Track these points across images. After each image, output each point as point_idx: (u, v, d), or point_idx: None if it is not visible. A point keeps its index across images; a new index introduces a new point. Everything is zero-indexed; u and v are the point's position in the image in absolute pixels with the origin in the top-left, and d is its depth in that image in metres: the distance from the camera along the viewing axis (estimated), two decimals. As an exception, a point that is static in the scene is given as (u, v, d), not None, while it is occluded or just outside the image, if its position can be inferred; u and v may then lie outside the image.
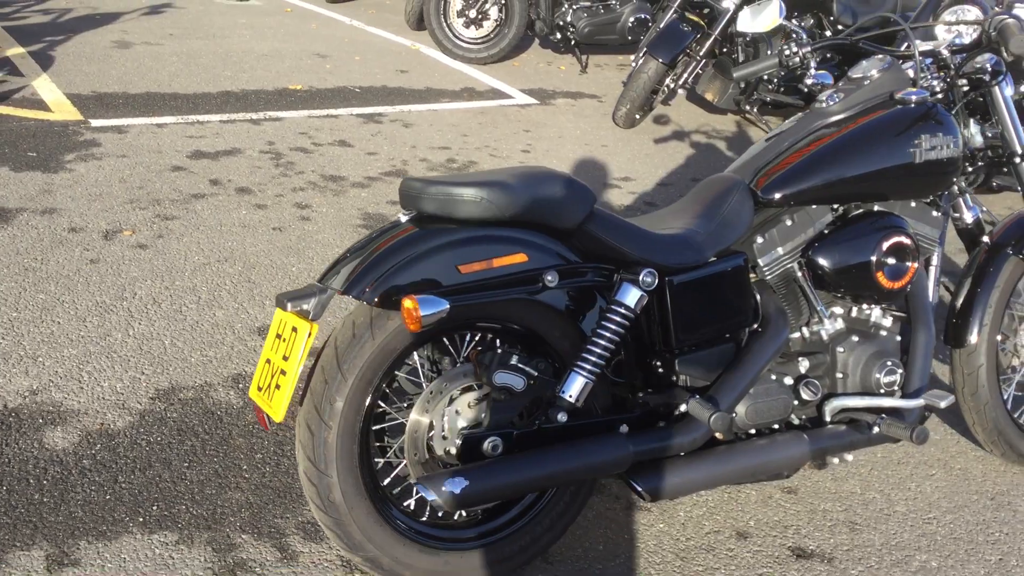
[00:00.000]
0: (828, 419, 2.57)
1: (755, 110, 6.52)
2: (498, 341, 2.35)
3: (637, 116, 6.45)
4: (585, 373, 2.25)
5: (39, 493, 2.55)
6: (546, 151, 5.90)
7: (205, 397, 3.04)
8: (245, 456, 2.79)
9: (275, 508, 2.59)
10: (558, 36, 7.82)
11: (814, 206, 2.56)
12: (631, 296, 2.26)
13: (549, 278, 2.21)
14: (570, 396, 2.24)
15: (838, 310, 2.64)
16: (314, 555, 2.44)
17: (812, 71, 2.91)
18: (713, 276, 2.41)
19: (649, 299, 2.37)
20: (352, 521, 2.19)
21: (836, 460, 2.63)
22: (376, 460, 2.32)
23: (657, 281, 2.29)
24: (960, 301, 2.92)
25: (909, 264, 2.53)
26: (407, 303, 2.01)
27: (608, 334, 2.25)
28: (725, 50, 6.58)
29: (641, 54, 6.31)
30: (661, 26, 6.41)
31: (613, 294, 2.27)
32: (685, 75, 6.36)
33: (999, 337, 2.96)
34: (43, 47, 7.03)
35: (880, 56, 2.74)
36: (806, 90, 2.95)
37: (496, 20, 7.80)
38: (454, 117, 6.44)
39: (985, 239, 2.96)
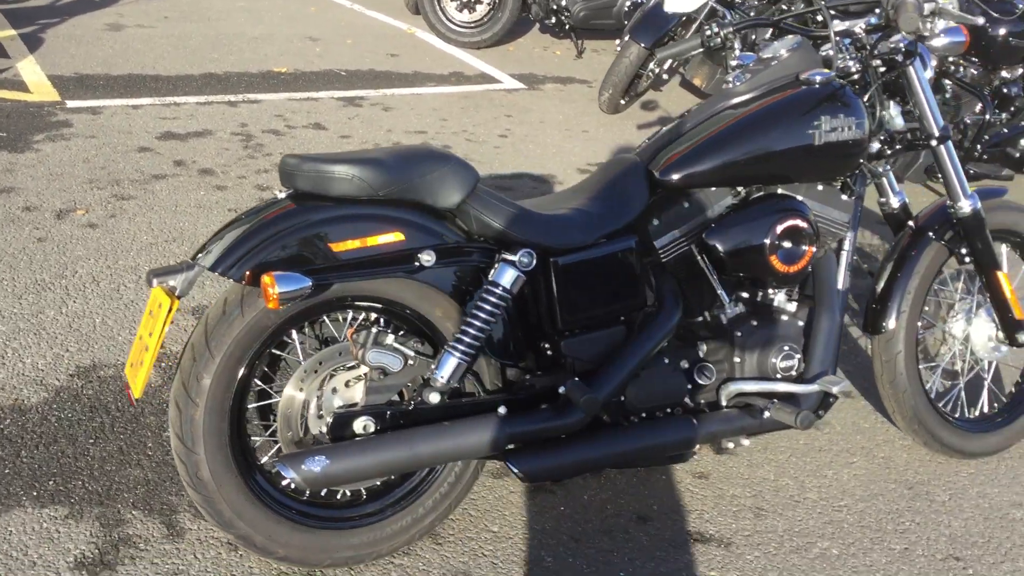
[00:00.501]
0: (724, 403, 2.54)
1: None
2: (381, 320, 2.34)
3: (621, 101, 6.38)
4: (458, 354, 2.23)
5: (-61, 466, 2.59)
6: (524, 136, 5.87)
7: (123, 375, 3.06)
8: (153, 434, 2.81)
9: (172, 486, 2.61)
10: (552, 20, 7.76)
11: (714, 189, 2.52)
12: (507, 277, 2.24)
13: (426, 258, 2.20)
14: (442, 377, 2.23)
15: (742, 294, 2.60)
16: (201, 532, 2.45)
17: (737, 52, 2.86)
18: (600, 258, 2.39)
19: (535, 280, 2.35)
20: (221, 499, 2.19)
21: (731, 445, 2.60)
22: (255, 438, 2.32)
23: (535, 262, 2.26)
24: (880, 287, 2.87)
25: (805, 248, 2.49)
26: (265, 279, 2.00)
27: (483, 315, 2.24)
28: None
29: (625, 38, 6.05)
30: (646, 8, 6.30)
31: (490, 274, 2.25)
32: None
33: (921, 324, 2.91)
34: (35, 29, 7.10)
35: (792, 36, 2.69)
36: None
37: (489, 4, 7.76)
38: (437, 101, 6.42)
39: (910, 224, 2.90)
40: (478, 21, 7.84)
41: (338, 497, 2.41)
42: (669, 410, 2.51)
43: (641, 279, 2.46)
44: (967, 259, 2.87)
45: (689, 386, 2.52)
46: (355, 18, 8.73)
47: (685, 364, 2.52)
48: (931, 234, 2.86)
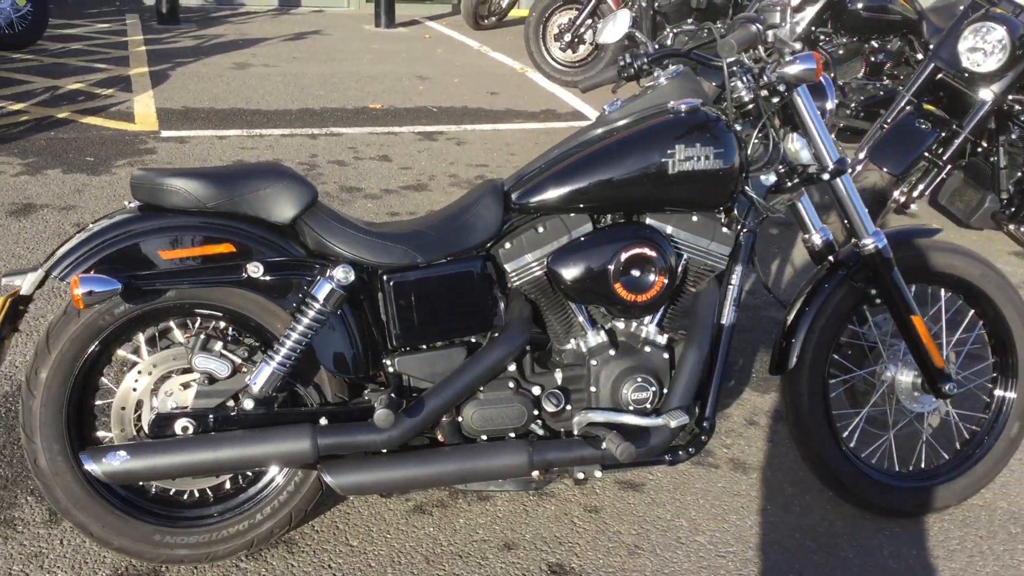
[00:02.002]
0: (576, 432, 2.49)
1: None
2: (221, 328, 2.45)
3: None
4: (273, 364, 2.31)
5: None
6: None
7: None
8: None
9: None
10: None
11: (573, 215, 2.49)
12: (323, 291, 2.30)
13: (253, 269, 2.29)
14: (255, 385, 2.32)
15: (609, 324, 2.55)
16: (73, 519, 2.63)
17: (660, 82, 2.81)
18: (435, 277, 2.41)
19: (372, 297, 2.40)
20: (57, 486, 2.35)
21: (580, 475, 2.53)
22: (101, 433, 2.47)
23: (353, 279, 2.31)
24: (786, 324, 2.73)
25: (654, 277, 2.41)
26: (72, 281, 2.16)
27: (300, 327, 2.31)
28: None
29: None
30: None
31: (310, 288, 2.32)
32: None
33: (828, 365, 2.74)
34: (167, 67, 7.75)
35: (675, 64, 2.63)
36: None
37: (591, 43, 7.83)
38: (514, 136, 6.53)
39: (828, 260, 2.75)
40: (581, 60, 7.92)
41: (185, 497, 2.53)
42: (513, 434, 2.48)
43: (483, 302, 2.46)
44: (877, 300, 2.69)
45: (535, 412, 2.48)
46: (475, 59, 9.00)
47: (536, 390, 2.49)
48: (842, 272, 2.70)
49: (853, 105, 6.02)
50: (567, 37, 7.85)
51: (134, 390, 2.40)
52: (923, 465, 2.92)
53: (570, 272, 2.41)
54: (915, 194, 4.64)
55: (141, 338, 2.47)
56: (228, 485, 2.54)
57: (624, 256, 2.40)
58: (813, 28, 5.93)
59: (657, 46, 2.81)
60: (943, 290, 2.85)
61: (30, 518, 2.63)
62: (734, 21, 2.50)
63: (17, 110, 6.36)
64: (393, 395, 2.35)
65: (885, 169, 4.42)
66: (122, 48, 8.46)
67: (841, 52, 6.09)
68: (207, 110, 6.62)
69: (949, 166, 4.60)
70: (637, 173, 2.40)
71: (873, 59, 6.13)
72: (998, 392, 2.89)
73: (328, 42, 9.33)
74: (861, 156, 4.59)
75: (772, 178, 2.61)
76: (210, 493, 2.53)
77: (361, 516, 2.74)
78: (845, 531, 2.78)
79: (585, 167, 2.43)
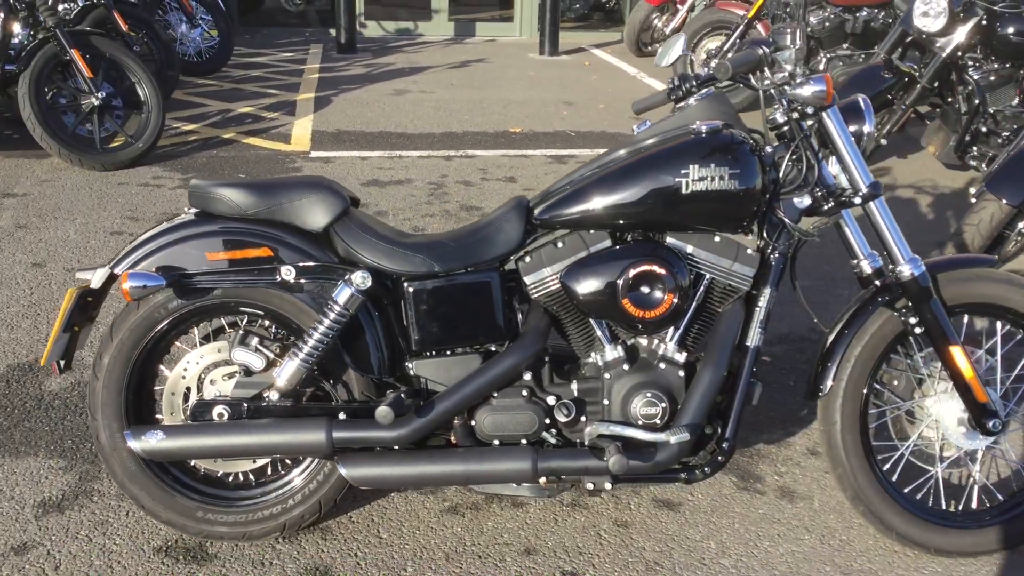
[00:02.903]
0: (586, 443, 2.55)
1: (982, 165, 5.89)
2: (266, 324, 2.66)
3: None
4: (297, 361, 2.50)
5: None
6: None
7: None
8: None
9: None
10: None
11: (592, 232, 2.56)
12: (343, 295, 2.47)
13: (286, 272, 2.50)
14: (280, 378, 2.51)
15: (632, 340, 2.60)
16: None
17: (690, 103, 2.81)
18: (453, 286, 2.54)
19: (397, 303, 2.56)
20: (115, 461, 2.62)
21: (590, 486, 2.58)
22: (159, 416, 2.73)
23: (369, 284, 2.46)
24: (823, 350, 2.69)
25: (662, 295, 2.45)
26: (121, 277, 2.43)
27: (323, 327, 2.49)
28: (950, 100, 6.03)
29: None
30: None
31: (333, 292, 2.50)
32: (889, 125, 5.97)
33: (867, 393, 2.67)
34: (332, 93, 8.25)
35: (709, 87, 2.66)
36: None
37: (740, 69, 7.77)
38: (647, 161, 6.56)
39: (875, 284, 2.69)
40: (727, 85, 7.84)
41: (230, 479, 2.76)
42: (524, 441, 2.57)
43: (500, 312, 2.56)
44: (916, 330, 2.61)
45: (548, 421, 2.56)
46: (628, 85, 9.08)
47: (551, 400, 2.57)
48: (881, 298, 2.64)
49: (1006, 135, 5.75)
50: (714, 63, 7.81)
51: (183, 378, 2.65)
52: (974, 505, 2.79)
53: (580, 286, 2.48)
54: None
55: (196, 332, 2.72)
56: (269, 471, 2.75)
57: (633, 272, 2.45)
58: (960, 53, 5.69)
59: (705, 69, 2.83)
60: (999, 323, 2.73)
61: (106, 490, 2.93)
62: (743, 43, 2.52)
63: (189, 130, 6.96)
64: (403, 395, 2.49)
65: (1004, 200, 4.21)
66: (297, 75, 9.06)
67: (992, 79, 5.79)
68: (357, 132, 7.01)
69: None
70: (652, 192, 2.45)
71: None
72: (1061, 434, 2.74)
73: (488, 69, 9.65)
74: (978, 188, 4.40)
75: (807, 201, 2.59)
76: (252, 477, 2.75)
77: (397, 511, 2.89)
78: (880, 569, 2.69)
79: (604, 185, 2.50)
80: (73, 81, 5.91)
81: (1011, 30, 5.53)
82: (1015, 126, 5.61)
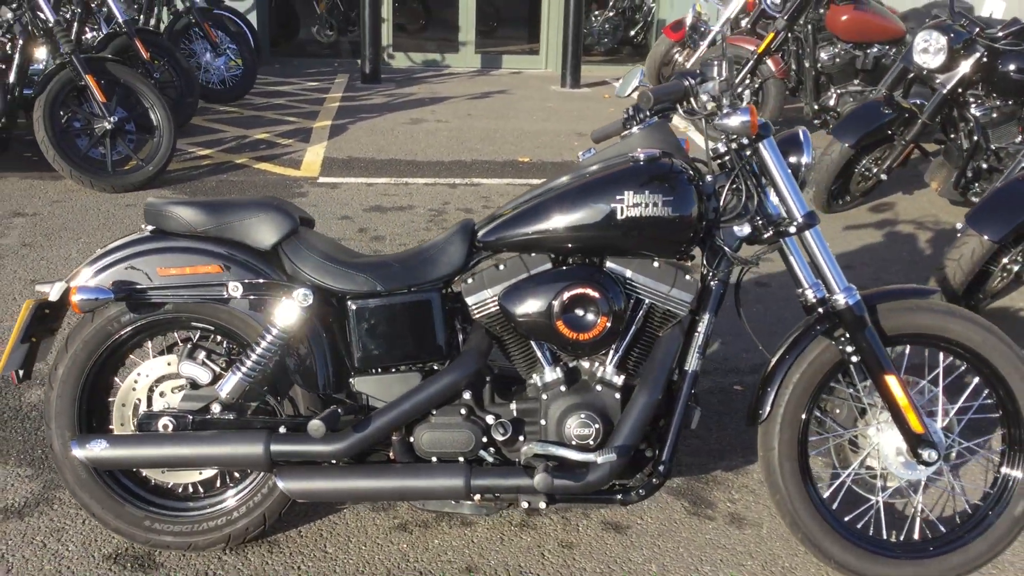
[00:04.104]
0: (521, 462, 2.59)
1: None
2: (218, 340, 2.74)
3: (839, 202, 6.20)
4: (239, 374, 2.57)
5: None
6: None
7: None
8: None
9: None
10: (819, 121, 7.63)
11: (533, 255, 2.61)
12: (285, 312, 2.54)
13: (233, 288, 2.58)
14: (223, 391, 2.58)
15: (574, 363, 2.64)
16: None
17: (633, 131, 2.83)
18: (394, 305, 2.60)
19: (340, 321, 2.63)
20: (67, 469, 2.71)
21: (525, 504, 2.61)
22: (112, 427, 2.80)
23: (310, 302, 2.53)
24: (763, 376, 2.71)
25: (595, 317, 2.49)
26: (71, 289, 2.52)
27: (264, 343, 2.56)
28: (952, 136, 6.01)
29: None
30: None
31: (276, 309, 2.57)
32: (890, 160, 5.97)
33: (807, 419, 2.69)
34: (348, 121, 8.40)
35: (653, 117, 2.71)
36: None
37: (753, 97, 7.79)
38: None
39: (817, 312, 2.70)
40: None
41: (179, 490, 2.83)
42: (462, 459, 2.61)
43: (441, 331, 2.62)
44: (853, 358, 2.63)
45: (485, 439, 2.60)
46: (645, 117, 9.11)
47: (490, 419, 2.61)
48: (820, 327, 2.66)
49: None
50: (725, 99, 7.84)
51: (133, 390, 2.73)
52: (916, 536, 2.78)
53: (517, 307, 2.53)
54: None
55: (150, 346, 2.80)
56: (217, 483, 2.82)
57: (567, 295, 2.49)
58: (960, 89, 5.69)
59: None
60: (942, 354, 2.73)
61: (67, 499, 3.02)
62: (673, 75, 2.58)
63: (203, 155, 7.12)
64: (340, 410, 2.54)
65: (985, 236, 4.20)
66: (318, 104, 9.23)
67: (994, 115, 5.77)
68: (367, 160, 7.13)
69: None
70: (589, 216, 2.50)
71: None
72: (1005, 468, 2.73)
73: (508, 100, 9.76)
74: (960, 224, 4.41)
75: (746, 229, 2.63)
76: (201, 489, 2.82)
77: (347, 527, 2.94)
78: (817, 595, 2.70)
79: (544, 209, 2.56)
80: (87, 106, 6.09)
81: (1012, 67, 5.52)
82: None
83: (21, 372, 2.70)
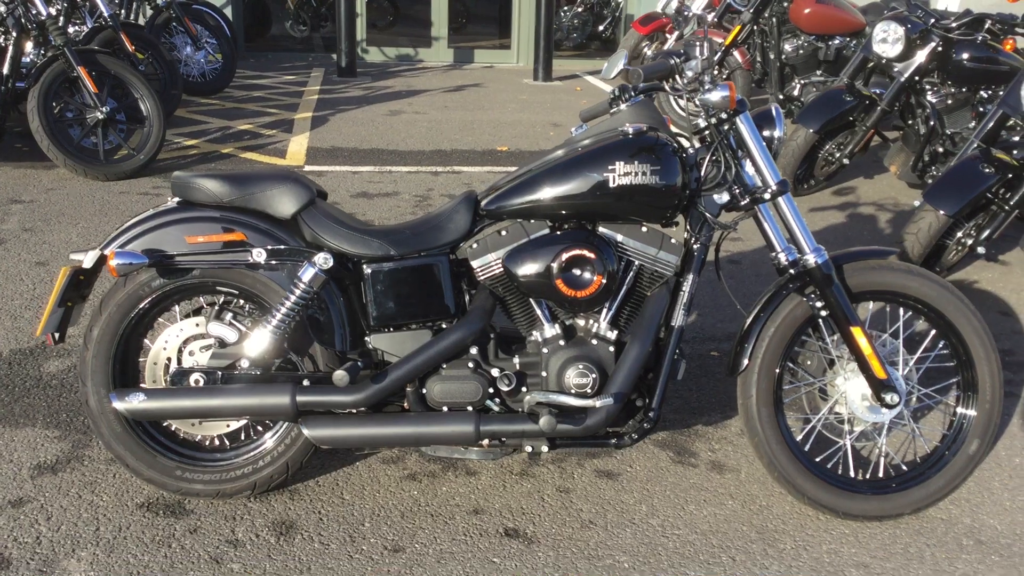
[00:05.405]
0: (524, 410, 2.84)
1: None
2: (241, 303, 2.97)
3: (804, 186, 6.50)
4: (267, 332, 2.80)
5: None
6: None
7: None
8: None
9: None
10: (783, 110, 7.93)
11: (533, 221, 2.87)
12: (307, 274, 2.77)
13: (257, 254, 2.81)
14: (251, 350, 2.81)
15: (571, 321, 2.90)
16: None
17: (620, 108, 3.07)
18: (404, 268, 2.84)
19: (357, 283, 2.87)
20: (102, 424, 2.92)
21: (529, 449, 2.87)
22: (144, 385, 3.02)
23: (331, 264, 2.77)
24: (741, 331, 2.98)
25: (592, 276, 2.75)
26: (108, 255, 2.74)
27: (289, 303, 2.79)
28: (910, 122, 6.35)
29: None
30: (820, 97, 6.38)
31: (299, 272, 2.80)
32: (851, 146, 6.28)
33: (781, 370, 2.96)
34: (328, 112, 8.60)
35: (639, 95, 2.97)
36: None
37: (719, 93, 8.09)
38: (625, 178, 6.88)
39: (790, 272, 2.98)
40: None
41: (206, 442, 3.05)
42: (470, 408, 2.86)
43: (449, 292, 2.86)
44: (822, 313, 2.91)
45: (491, 390, 2.85)
46: (617, 108, 9.39)
47: (495, 372, 2.86)
48: (792, 285, 2.94)
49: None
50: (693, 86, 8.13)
51: (164, 349, 2.95)
52: (880, 475, 3.07)
53: (520, 268, 2.79)
54: (983, 237, 4.76)
55: (177, 310, 3.02)
56: (242, 436, 3.05)
57: (566, 256, 2.75)
58: (917, 78, 6.01)
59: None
60: (902, 309, 3.02)
61: (96, 456, 3.23)
62: (658, 54, 2.84)
63: (189, 145, 7.30)
64: (359, 362, 2.79)
65: (941, 211, 4.52)
66: (297, 97, 9.42)
67: (950, 102, 6.11)
68: (350, 149, 7.35)
69: (1016, 210, 4.69)
70: (583, 185, 2.76)
71: (983, 109, 6.12)
72: (959, 409, 3.02)
73: (482, 93, 10.00)
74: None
75: (725, 197, 2.90)
76: (227, 441, 3.05)
77: (360, 477, 3.17)
78: (793, 529, 2.97)
79: (542, 180, 2.81)
80: (79, 96, 6.26)
81: (965, 56, 5.86)
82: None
83: (57, 335, 2.92)
